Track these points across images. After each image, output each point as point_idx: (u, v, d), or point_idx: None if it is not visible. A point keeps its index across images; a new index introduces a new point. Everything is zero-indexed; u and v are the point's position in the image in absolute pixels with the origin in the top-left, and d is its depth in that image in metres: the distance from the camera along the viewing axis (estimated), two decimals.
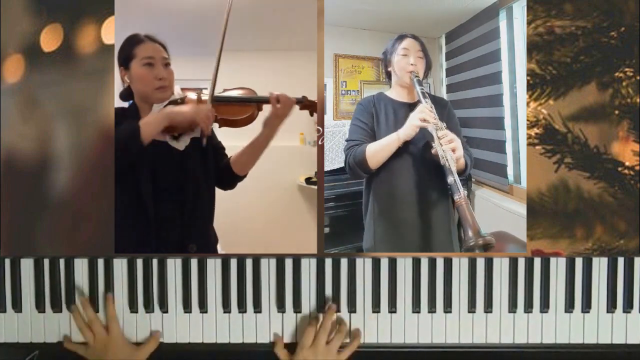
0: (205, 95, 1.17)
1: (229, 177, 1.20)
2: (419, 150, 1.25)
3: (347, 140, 1.26)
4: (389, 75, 1.31)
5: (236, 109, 1.18)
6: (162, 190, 1.14)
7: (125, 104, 1.17)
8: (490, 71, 1.31)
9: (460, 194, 1.14)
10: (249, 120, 1.18)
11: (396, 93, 1.30)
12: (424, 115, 1.20)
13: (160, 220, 1.14)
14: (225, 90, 1.20)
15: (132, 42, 1.14)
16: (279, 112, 1.16)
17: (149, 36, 1.15)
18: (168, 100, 1.15)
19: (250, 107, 1.18)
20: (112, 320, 1.19)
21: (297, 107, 1.18)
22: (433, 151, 1.19)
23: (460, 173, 1.21)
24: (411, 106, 1.26)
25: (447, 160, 1.17)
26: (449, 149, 1.18)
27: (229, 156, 1.21)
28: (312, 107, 1.18)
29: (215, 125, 1.19)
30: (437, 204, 1.26)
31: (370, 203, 1.27)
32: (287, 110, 1.17)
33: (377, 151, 1.22)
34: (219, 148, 1.21)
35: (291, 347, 1.19)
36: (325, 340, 1.17)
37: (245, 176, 1.21)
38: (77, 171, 1.15)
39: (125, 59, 1.14)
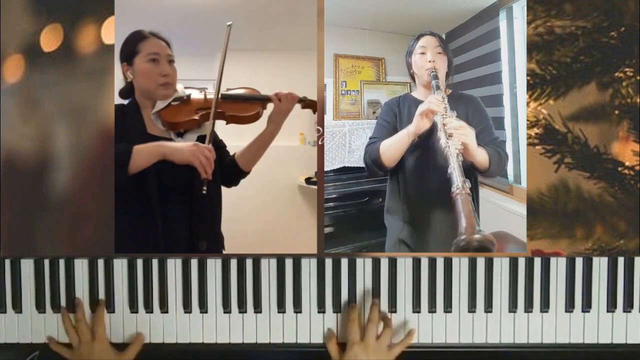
0: (211, 94, 1.17)
1: (234, 173, 1.20)
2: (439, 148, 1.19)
3: (369, 138, 1.26)
4: (413, 77, 1.29)
5: (243, 106, 1.19)
6: (168, 190, 1.13)
7: (125, 102, 1.16)
8: (490, 71, 1.31)
9: (457, 184, 1.05)
10: (256, 117, 1.19)
11: (420, 93, 1.29)
12: (431, 105, 1.17)
13: (167, 222, 1.13)
14: (228, 89, 1.20)
15: (136, 38, 1.14)
16: (282, 108, 1.18)
17: (153, 33, 1.15)
18: (172, 98, 1.16)
19: (257, 105, 1.19)
20: (98, 323, 1.17)
21: (298, 105, 1.19)
22: (440, 141, 1.14)
23: (483, 171, 1.18)
24: None
25: (448, 147, 1.11)
26: (455, 134, 1.12)
27: (231, 154, 1.21)
28: (313, 106, 1.19)
29: (222, 123, 1.19)
30: None
31: (394, 203, 1.25)
32: (290, 106, 1.18)
33: (389, 147, 1.21)
34: (220, 146, 1.21)
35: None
36: (375, 335, 1.14)
37: (249, 172, 1.21)
38: (77, 171, 1.15)
39: (129, 55, 1.14)
